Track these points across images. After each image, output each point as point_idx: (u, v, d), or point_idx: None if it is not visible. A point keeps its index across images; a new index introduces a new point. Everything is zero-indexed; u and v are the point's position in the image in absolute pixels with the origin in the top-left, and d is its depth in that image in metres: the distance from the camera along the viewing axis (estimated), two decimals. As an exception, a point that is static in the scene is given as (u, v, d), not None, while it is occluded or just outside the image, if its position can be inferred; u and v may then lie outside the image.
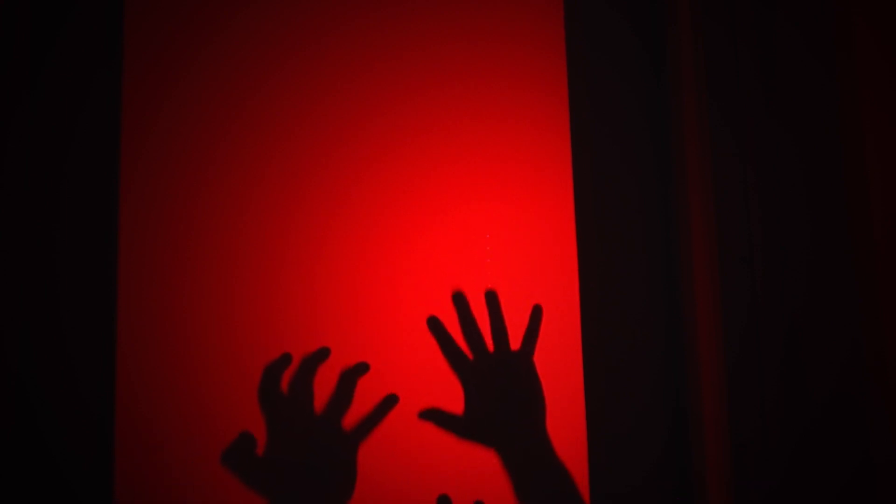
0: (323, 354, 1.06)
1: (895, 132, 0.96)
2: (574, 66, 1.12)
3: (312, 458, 1.03)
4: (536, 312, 1.09)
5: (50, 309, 0.98)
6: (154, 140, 1.08)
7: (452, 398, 1.08)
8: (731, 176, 1.00)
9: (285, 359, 1.05)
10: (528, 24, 1.14)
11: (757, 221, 0.99)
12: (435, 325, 1.08)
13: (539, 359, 1.08)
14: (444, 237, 1.10)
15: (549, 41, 1.14)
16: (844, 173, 0.99)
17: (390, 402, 1.06)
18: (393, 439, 1.06)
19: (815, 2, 1.02)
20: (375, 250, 1.09)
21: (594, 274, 1.07)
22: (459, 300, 1.09)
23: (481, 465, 1.06)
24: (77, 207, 1.01)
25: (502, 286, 1.10)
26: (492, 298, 1.09)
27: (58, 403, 0.97)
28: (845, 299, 0.97)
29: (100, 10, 1.04)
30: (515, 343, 1.08)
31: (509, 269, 1.10)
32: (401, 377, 1.07)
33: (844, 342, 0.96)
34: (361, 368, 1.06)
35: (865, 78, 0.98)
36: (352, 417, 1.05)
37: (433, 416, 1.07)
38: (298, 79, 1.11)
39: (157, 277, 1.04)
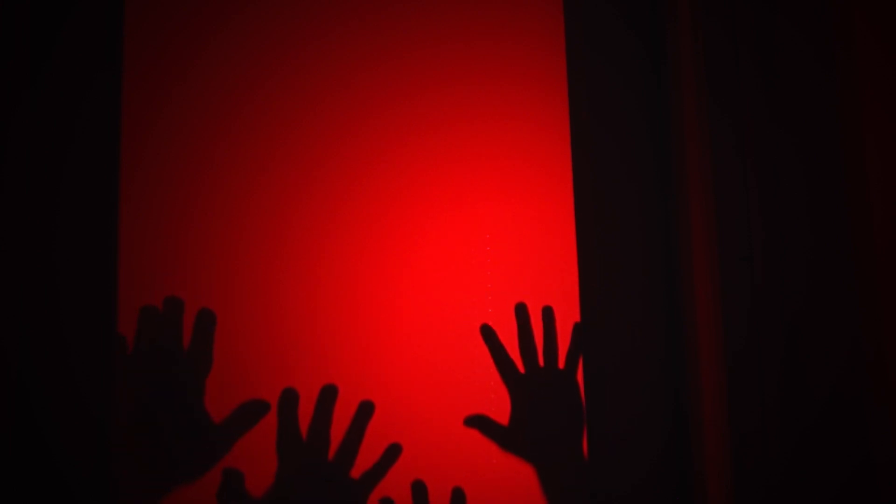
0: (331, 393, 1.03)
1: (895, 131, 0.96)
2: (574, 66, 1.12)
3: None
4: (577, 330, 1.08)
5: (50, 309, 0.98)
6: (154, 140, 1.08)
7: (453, 399, 1.08)
8: (731, 176, 1.00)
9: (292, 397, 1.02)
10: (527, 23, 1.14)
11: (757, 221, 0.99)
12: (488, 333, 1.08)
13: (539, 359, 1.08)
14: (444, 237, 1.10)
15: (548, 41, 1.14)
16: (845, 173, 0.99)
17: (394, 452, 1.04)
18: (391, 442, 1.06)
19: (816, 1, 1.02)
20: (375, 250, 1.09)
21: (594, 274, 1.07)
22: (521, 312, 1.08)
23: (480, 472, 1.06)
24: (77, 208, 1.01)
25: (502, 286, 1.10)
26: (547, 314, 1.08)
27: (58, 403, 0.97)
28: (845, 299, 0.97)
29: (100, 10, 1.04)
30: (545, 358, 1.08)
31: (509, 269, 1.10)
32: (401, 378, 1.07)
33: (844, 342, 0.96)
34: (368, 409, 1.04)
35: (866, 77, 0.98)
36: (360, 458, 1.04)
37: (478, 423, 1.07)
38: (298, 79, 1.11)
39: (158, 277, 1.04)
